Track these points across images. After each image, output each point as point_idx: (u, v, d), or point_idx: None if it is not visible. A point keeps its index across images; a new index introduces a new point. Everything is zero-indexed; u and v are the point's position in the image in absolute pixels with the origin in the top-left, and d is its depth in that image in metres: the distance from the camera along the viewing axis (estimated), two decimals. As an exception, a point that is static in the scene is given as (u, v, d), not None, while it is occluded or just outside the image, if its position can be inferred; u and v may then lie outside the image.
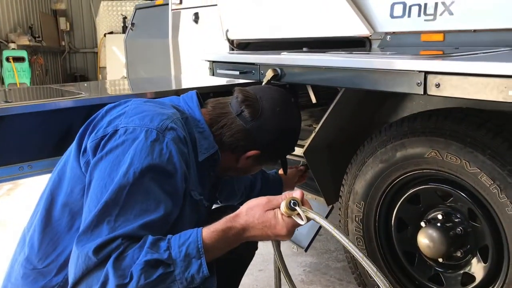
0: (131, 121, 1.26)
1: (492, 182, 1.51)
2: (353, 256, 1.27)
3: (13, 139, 1.62)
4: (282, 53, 1.80)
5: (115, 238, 1.10)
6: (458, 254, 1.73)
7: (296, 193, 1.20)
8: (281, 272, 1.53)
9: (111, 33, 10.03)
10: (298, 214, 1.17)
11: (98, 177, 1.19)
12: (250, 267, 1.78)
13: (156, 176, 1.19)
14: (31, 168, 1.64)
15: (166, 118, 1.28)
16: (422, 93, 1.27)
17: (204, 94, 1.62)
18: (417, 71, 1.28)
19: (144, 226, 1.14)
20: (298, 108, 1.59)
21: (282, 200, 1.19)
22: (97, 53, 10.99)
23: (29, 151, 1.65)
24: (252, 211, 1.19)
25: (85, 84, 2.58)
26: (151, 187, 1.17)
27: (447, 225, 1.74)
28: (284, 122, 1.48)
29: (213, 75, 2.08)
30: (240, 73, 1.91)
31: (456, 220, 1.75)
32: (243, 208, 1.21)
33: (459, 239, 1.72)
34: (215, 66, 2.05)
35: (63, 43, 11.43)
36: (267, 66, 1.78)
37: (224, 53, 2.28)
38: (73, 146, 1.36)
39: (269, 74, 1.73)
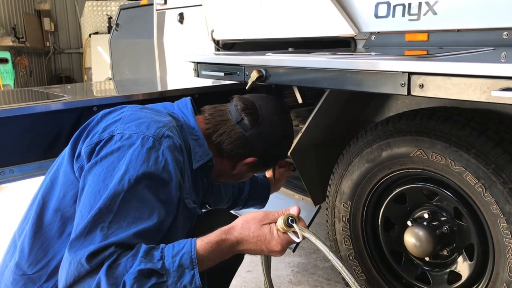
0: (128, 127, 1.25)
1: (477, 181, 1.52)
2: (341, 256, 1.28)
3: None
4: (267, 54, 1.79)
5: (108, 245, 1.09)
6: (444, 252, 1.74)
7: (293, 209, 1.21)
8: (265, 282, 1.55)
9: (96, 33, 9.95)
10: (295, 231, 1.18)
11: (92, 183, 1.18)
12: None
13: (151, 183, 1.18)
14: (13, 172, 1.61)
15: (162, 125, 1.27)
16: (406, 93, 1.27)
17: (190, 95, 1.61)
18: (401, 72, 1.27)
19: (137, 234, 1.13)
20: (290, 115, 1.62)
21: (279, 216, 1.19)
22: (82, 53, 10.89)
23: (12, 155, 1.61)
24: (248, 224, 1.20)
25: (69, 87, 2.55)
26: (145, 195, 1.17)
27: (433, 224, 1.75)
28: (282, 130, 1.51)
29: (197, 76, 2.06)
30: (224, 74, 1.89)
31: (442, 219, 1.76)
32: (239, 220, 1.21)
33: (445, 237, 1.73)
34: (200, 67, 2.04)
35: (47, 44, 11.29)
36: (251, 67, 1.77)
37: (208, 54, 2.26)
38: (66, 151, 1.35)
39: (254, 75, 1.72)
